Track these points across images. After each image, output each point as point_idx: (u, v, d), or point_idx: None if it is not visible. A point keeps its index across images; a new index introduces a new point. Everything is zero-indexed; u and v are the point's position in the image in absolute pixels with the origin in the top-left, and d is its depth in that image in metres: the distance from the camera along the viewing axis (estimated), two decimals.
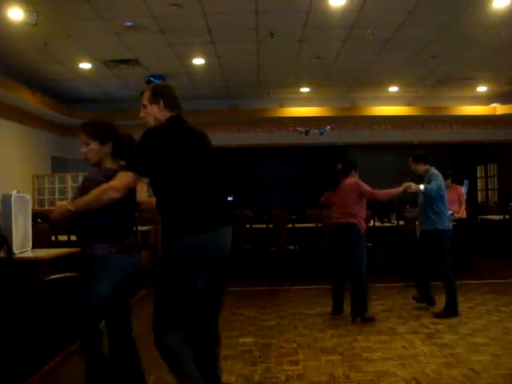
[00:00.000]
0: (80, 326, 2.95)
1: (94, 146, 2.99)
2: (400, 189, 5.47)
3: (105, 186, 2.73)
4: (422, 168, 5.77)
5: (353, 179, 5.59)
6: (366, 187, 5.52)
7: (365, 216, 5.69)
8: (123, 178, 2.73)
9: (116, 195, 2.71)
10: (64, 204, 2.87)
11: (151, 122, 2.95)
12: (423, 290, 5.78)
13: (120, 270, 2.92)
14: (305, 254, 8.45)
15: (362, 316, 5.29)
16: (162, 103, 2.93)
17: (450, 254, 5.61)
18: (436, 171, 5.74)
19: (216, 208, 2.83)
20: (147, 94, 2.98)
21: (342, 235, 5.54)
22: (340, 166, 5.74)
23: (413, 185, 5.45)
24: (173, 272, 2.71)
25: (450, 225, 5.74)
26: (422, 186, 5.50)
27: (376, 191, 5.56)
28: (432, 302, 5.73)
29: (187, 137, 2.88)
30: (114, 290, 2.89)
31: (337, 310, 5.65)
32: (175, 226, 2.75)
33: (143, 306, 5.64)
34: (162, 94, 2.96)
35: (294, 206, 11.26)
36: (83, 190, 2.92)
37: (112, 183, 2.72)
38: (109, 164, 3.02)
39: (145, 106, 2.98)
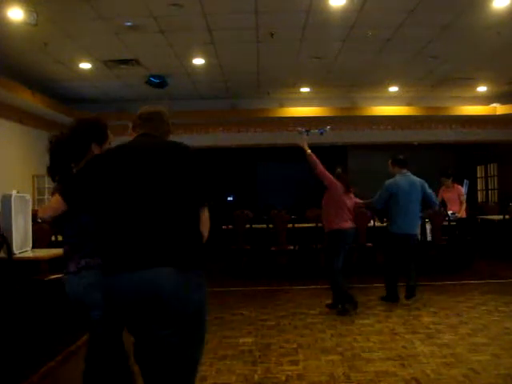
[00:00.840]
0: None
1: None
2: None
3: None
4: (395, 171, 6.25)
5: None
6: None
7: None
8: (52, 202, 2.58)
9: (43, 215, 2.64)
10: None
11: None
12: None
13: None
14: (305, 254, 8.44)
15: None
16: (130, 129, 2.74)
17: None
18: (390, 181, 6.18)
19: (144, 245, 2.25)
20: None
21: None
22: (339, 170, 5.92)
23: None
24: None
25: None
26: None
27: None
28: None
29: (121, 161, 2.42)
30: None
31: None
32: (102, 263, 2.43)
33: None
34: (134, 120, 2.75)
35: (294, 206, 11.26)
36: None
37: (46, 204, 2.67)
38: None
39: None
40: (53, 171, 3.04)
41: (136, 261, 2.22)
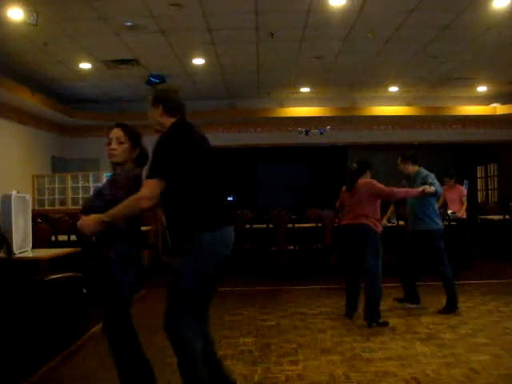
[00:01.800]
0: (113, 316, 3.07)
1: (126, 146, 3.10)
2: (420, 189, 5.46)
3: (136, 196, 2.77)
4: (410, 168, 5.86)
5: (367, 179, 5.51)
6: (382, 186, 5.41)
7: (379, 217, 5.57)
8: (152, 187, 2.75)
9: (147, 205, 2.76)
10: (96, 217, 2.82)
11: (155, 125, 3.05)
12: (410, 290, 5.82)
13: (138, 263, 3.15)
14: (305, 253, 8.44)
15: (376, 321, 5.08)
16: (161, 108, 3.00)
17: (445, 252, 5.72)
18: (427, 172, 5.80)
19: (223, 207, 2.97)
20: (150, 98, 3.07)
21: (357, 236, 5.40)
22: (355, 165, 5.66)
23: (427, 187, 5.46)
24: (189, 268, 2.79)
25: (442, 224, 5.89)
26: (432, 188, 5.51)
27: (396, 189, 5.51)
28: (418, 301, 5.81)
29: (197, 143, 2.99)
30: (136, 279, 3.10)
31: (351, 307, 5.48)
32: (188, 225, 2.82)
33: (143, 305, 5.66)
34: (162, 98, 3.03)
35: (294, 206, 11.28)
36: (113, 183, 3.05)
37: (142, 193, 2.76)
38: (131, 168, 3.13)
39: (150, 110, 3.06)
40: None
41: (226, 219, 2.97)
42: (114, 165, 3.15)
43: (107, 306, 3.08)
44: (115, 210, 2.80)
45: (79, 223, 2.88)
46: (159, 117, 3.00)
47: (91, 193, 11.28)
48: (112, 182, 3.07)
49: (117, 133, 3.11)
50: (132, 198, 2.78)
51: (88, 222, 2.84)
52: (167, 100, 3.03)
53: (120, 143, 3.09)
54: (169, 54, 8.41)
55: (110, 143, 3.11)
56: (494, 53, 8.59)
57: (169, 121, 2.99)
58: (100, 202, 2.98)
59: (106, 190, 3.05)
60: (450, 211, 8.41)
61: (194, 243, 2.79)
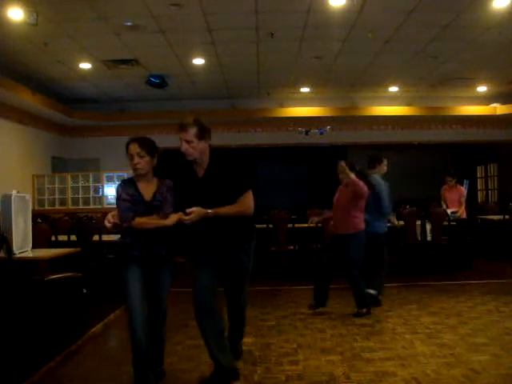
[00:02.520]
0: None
1: (147, 158, 3.40)
2: None
3: (245, 206, 3.49)
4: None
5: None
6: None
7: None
8: (251, 199, 3.54)
9: (251, 213, 3.58)
10: (202, 209, 3.31)
11: (196, 154, 3.42)
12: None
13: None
14: (305, 254, 8.44)
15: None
16: (208, 140, 3.45)
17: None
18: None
19: None
20: (194, 131, 3.37)
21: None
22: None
23: None
24: (251, 261, 3.83)
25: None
26: None
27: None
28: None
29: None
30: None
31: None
32: (250, 230, 3.82)
33: None
34: (207, 131, 3.45)
35: (294, 206, 11.26)
36: (166, 192, 3.47)
37: (249, 205, 3.52)
38: (151, 176, 3.48)
39: (191, 142, 3.38)
40: None
41: None
42: (138, 176, 3.45)
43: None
44: (224, 209, 3.37)
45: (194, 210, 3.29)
46: (206, 147, 3.44)
47: (91, 193, 11.31)
48: (170, 187, 3.49)
49: (135, 148, 3.38)
50: (241, 206, 3.46)
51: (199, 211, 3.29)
52: (209, 132, 3.46)
53: (141, 157, 3.38)
54: (169, 54, 8.41)
55: (132, 159, 3.39)
56: (493, 53, 8.59)
57: (208, 148, 3.46)
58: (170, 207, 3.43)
59: (170, 194, 3.46)
60: (450, 211, 8.42)
61: (253, 243, 3.85)
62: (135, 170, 3.41)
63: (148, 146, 3.41)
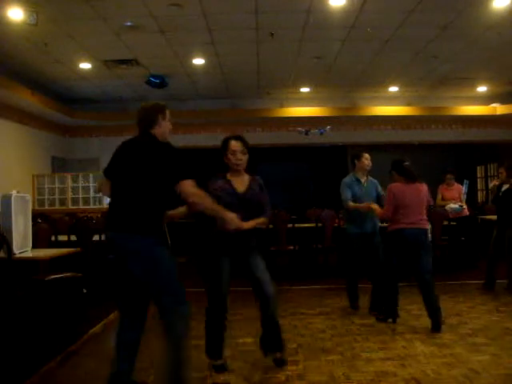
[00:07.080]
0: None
1: (247, 155, 3.79)
2: None
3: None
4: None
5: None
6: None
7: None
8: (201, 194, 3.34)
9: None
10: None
11: (242, 165, 3.81)
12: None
13: None
14: (305, 253, 8.44)
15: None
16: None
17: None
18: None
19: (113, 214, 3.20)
20: (245, 150, 3.80)
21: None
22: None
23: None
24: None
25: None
26: None
27: None
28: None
29: None
30: None
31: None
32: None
33: None
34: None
35: (294, 206, 11.26)
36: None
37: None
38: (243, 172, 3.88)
39: (246, 154, 3.78)
40: None
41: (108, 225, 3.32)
42: (236, 172, 3.78)
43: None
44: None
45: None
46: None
47: (91, 193, 11.31)
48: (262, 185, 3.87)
49: (239, 146, 3.74)
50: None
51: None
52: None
53: (244, 154, 3.75)
54: (169, 54, 8.41)
55: (234, 154, 3.72)
56: (493, 53, 8.59)
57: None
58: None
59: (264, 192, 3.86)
60: (455, 205, 8.19)
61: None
62: (237, 165, 3.75)
63: (247, 145, 3.79)
